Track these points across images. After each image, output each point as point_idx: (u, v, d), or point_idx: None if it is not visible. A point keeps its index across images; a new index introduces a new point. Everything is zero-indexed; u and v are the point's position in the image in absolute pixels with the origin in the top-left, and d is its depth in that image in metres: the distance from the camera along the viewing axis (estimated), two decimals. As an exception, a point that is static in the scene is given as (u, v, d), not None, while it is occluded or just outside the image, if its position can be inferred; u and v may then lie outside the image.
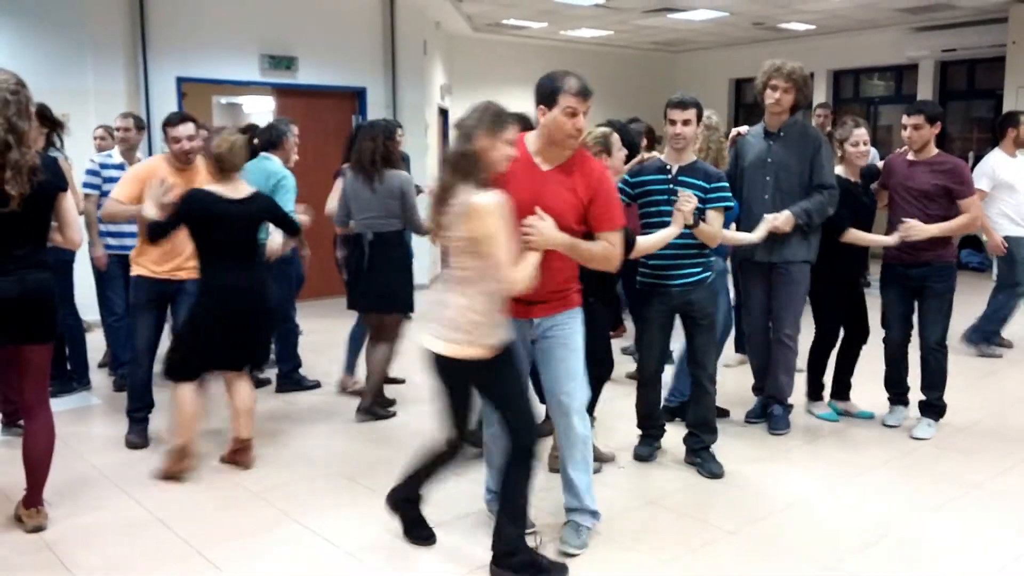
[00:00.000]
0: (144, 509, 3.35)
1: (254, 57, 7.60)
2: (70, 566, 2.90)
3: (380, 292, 4.37)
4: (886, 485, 3.62)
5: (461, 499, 3.38)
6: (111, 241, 4.93)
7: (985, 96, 10.21)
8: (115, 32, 6.90)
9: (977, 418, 4.49)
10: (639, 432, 3.89)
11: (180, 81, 7.28)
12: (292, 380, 5.02)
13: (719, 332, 4.09)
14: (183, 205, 3.55)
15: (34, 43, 6.55)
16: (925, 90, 10.39)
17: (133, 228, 4.78)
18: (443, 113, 10.10)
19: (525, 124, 3.74)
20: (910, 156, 4.16)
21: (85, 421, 4.55)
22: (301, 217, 4.23)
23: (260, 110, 9.44)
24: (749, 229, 3.96)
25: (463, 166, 2.56)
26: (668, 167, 3.63)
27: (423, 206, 3.50)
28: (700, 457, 3.72)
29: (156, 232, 3.58)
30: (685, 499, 3.47)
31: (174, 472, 3.62)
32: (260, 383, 5.04)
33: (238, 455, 3.77)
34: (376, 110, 8.21)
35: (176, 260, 3.94)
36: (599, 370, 3.54)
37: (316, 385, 5.04)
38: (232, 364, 3.74)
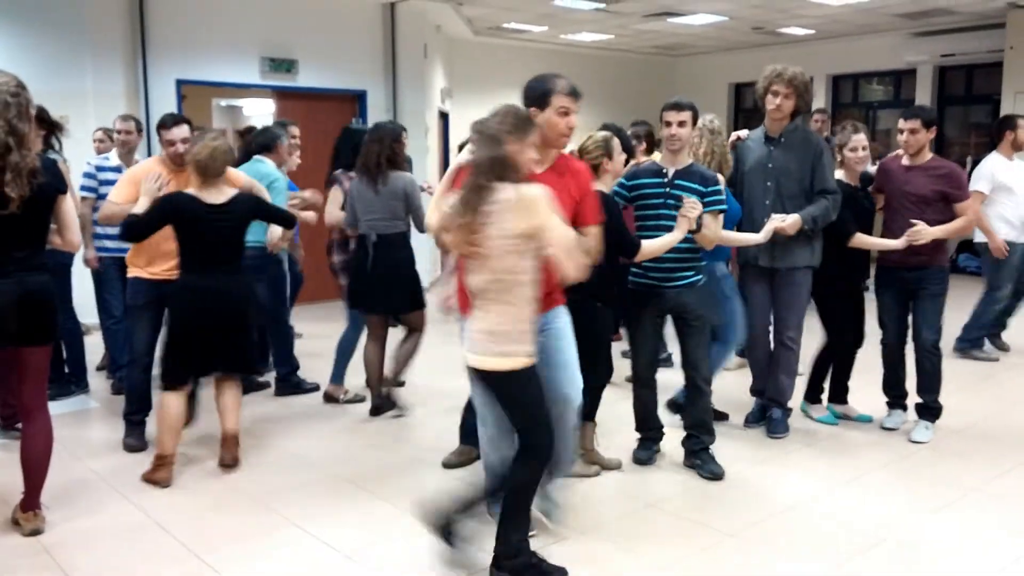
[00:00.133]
0: (142, 512, 3.35)
1: (254, 60, 7.61)
2: (68, 570, 2.89)
3: (392, 293, 4.38)
4: (885, 488, 3.62)
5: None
6: (109, 244, 4.93)
7: (983, 101, 10.24)
8: (115, 34, 6.90)
9: (974, 421, 4.50)
10: (638, 436, 3.89)
11: (180, 83, 7.28)
12: (290, 383, 5.02)
13: (732, 336, 4.09)
14: (161, 207, 3.56)
15: (33, 45, 6.56)
16: (924, 95, 10.42)
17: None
18: (443, 116, 10.12)
19: None
20: (905, 161, 4.19)
21: (83, 424, 4.54)
22: (305, 212, 4.21)
23: (260, 113, 9.44)
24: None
25: (497, 170, 2.54)
26: (664, 171, 3.66)
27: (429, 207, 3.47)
28: (700, 458, 3.73)
29: (131, 229, 3.57)
30: (684, 502, 3.47)
31: (154, 480, 3.61)
32: (259, 386, 5.05)
33: (224, 450, 3.78)
34: (376, 113, 8.22)
35: (172, 261, 3.94)
36: (600, 376, 3.54)
37: (315, 388, 5.03)
38: (215, 368, 3.75)
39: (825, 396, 4.51)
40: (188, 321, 3.60)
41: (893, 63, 10.64)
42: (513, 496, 2.72)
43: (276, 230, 4.36)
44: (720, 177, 3.86)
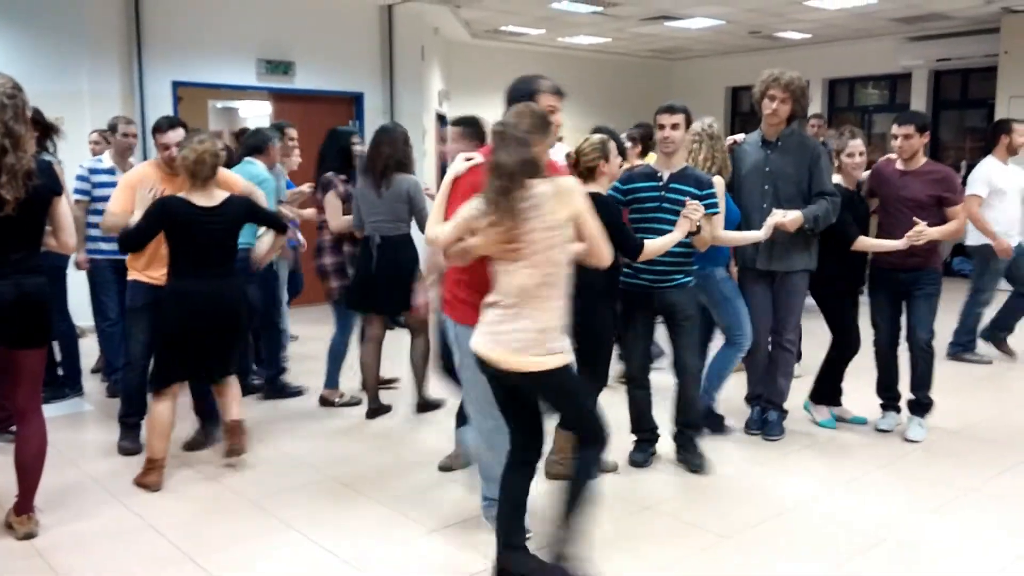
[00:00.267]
0: (137, 516, 3.33)
1: (251, 61, 7.60)
2: (62, 573, 2.88)
3: (394, 294, 4.37)
4: (883, 488, 3.63)
5: (452, 505, 3.37)
6: (104, 246, 4.91)
7: (978, 105, 10.27)
8: (110, 35, 6.89)
9: (969, 423, 4.52)
10: (633, 438, 3.89)
11: (176, 85, 7.27)
12: (275, 387, 4.99)
13: (742, 339, 4.09)
14: (153, 213, 3.55)
15: (29, 46, 6.54)
16: (919, 99, 10.46)
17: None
18: (441, 119, 10.11)
19: (479, 127, 3.78)
20: (900, 165, 4.22)
21: (78, 427, 4.53)
22: (306, 210, 4.14)
23: (257, 115, 9.42)
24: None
25: (528, 171, 2.55)
26: (659, 174, 3.68)
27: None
28: (687, 451, 3.82)
29: (127, 241, 3.58)
30: (682, 504, 3.47)
31: (144, 483, 3.59)
32: (254, 389, 5.03)
33: (230, 439, 3.78)
34: (374, 115, 8.22)
35: None
36: (598, 377, 3.54)
37: (299, 392, 5.01)
38: (207, 372, 3.74)
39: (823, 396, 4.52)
40: (180, 325, 3.59)
41: (889, 67, 10.67)
42: (587, 490, 2.67)
43: (263, 245, 4.29)
44: (720, 180, 3.88)
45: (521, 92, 2.94)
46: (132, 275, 4.00)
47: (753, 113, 4.22)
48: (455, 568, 2.92)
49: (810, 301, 4.26)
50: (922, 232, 3.95)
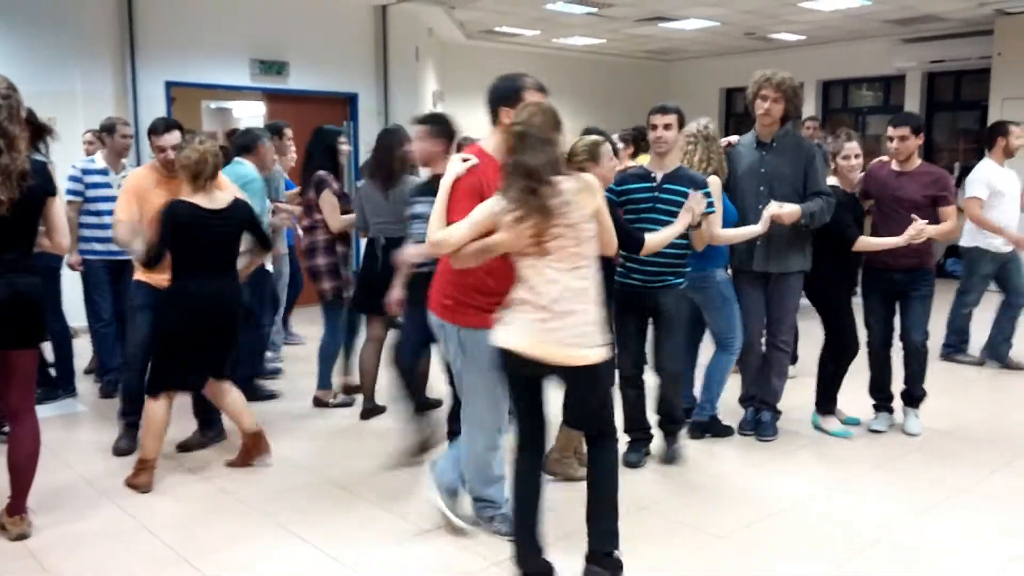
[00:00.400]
0: (130, 517, 3.32)
1: (244, 62, 7.58)
2: (55, 574, 2.87)
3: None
4: (880, 488, 3.64)
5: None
6: (98, 247, 4.91)
7: (971, 107, 10.31)
8: (103, 35, 6.87)
9: (964, 422, 4.54)
10: (627, 438, 3.89)
11: (169, 85, 7.24)
12: (247, 389, 4.91)
13: (734, 343, 4.11)
14: (166, 220, 3.53)
15: (21, 46, 6.51)
16: (912, 101, 10.49)
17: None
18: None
19: (446, 125, 3.77)
20: (895, 167, 4.24)
21: (71, 428, 4.51)
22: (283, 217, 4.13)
23: (250, 115, 9.41)
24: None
25: (554, 169, 2.62)
26: (652, 175, 3.69)
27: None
28: (666, 443, 3.91)
29: (152, 260, 3.58)
30: (676, 504, 3.48)
31: (135, 484, 3.59)
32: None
33: (254, 448, 3.82)
34: (368, 116, 8.21)
35: None
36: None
37: (272, 396, 4.98)
38: (209, 373, 3.73)
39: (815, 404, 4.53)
40: (180, 325, 3.58)
41: (882, 69, 10.71)
42: (615, 484, 2.75)
43: (241, 260, 4.17)
44: (717, 180, 3.88)
45: (506, 91, 2.93)
46: (138, 275, 4.01)
47: (747, 114, 4.24)
48: (454, 568, 2.91)
49: (804, 302, 4.28)
50: (923, 230, 3.96)
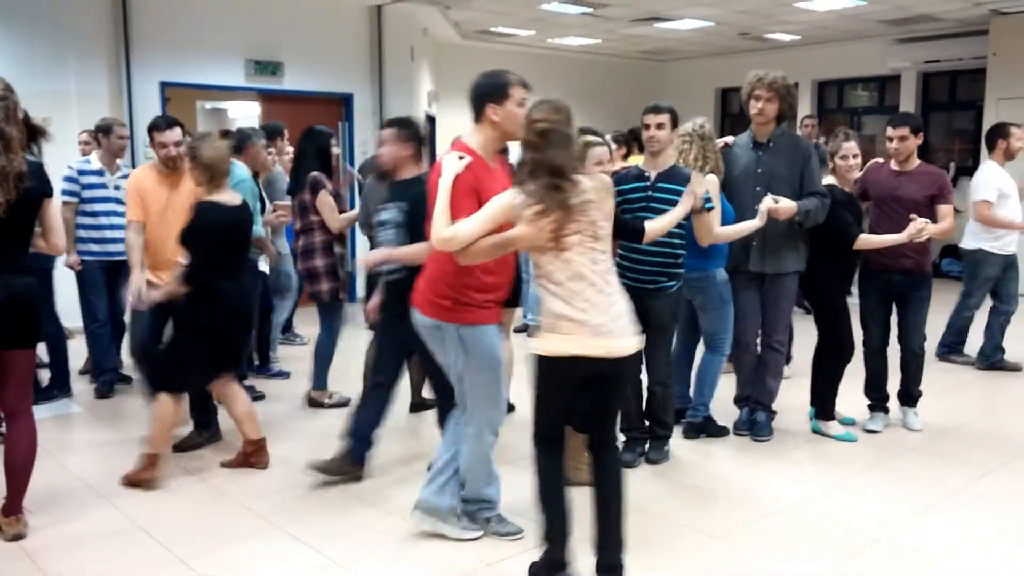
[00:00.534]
0: (126, 517, 3.32)
1: (239, 62, 7.57)
2: (52, 575, 2.86)
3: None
4: (878, 488, 3.65)
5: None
6: (94, 247, 4.90)
7: (966, 107, 10.34)
8: (98, 35, 6.85)
9: (960, 422, 4.55)
10: (623, 438, 3.90)
11: (164, 86, 7.23)
12: None
13: (724, 345, 4.12)
14: (201, 223, 3.52)
15: (16, 46, 6.49)
16: (907, 101, 10.51)
17: (117, 235, 4.78)
18: (430, 120, 10.10)
19: (414, 128, 3.73)
20: (894, 167, 4.25)
21: (66, 428, 4.50)
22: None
23: (245, 115, 9.39)
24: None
25: (575, 167, 2.66)
26: (646, 174, 3.70)
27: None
28: (652, 446, 3.92)
29: (195, 273, 3.56)
30: (672, 505, 3.48)
31: (142, 479, 3.59)
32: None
33: (254, 456, 3.83)
34: (363, 116, 8.21)
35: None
36: None
37: (260, 396, 4.96)
38: (224, 370, 3.76)
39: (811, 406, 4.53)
40: (223, 325, 3.61)
41: (878, 69, 10.73)
42: (624, 493, 2.77)
43: None
44: (715, 179, 3.89)
45: (492, 87, 2.91)
46: (148, 275, 4.02)
47: (743, 114, 4.24)
48: (453, 569, 2.91)
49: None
50: (924, 227, 3.98)
